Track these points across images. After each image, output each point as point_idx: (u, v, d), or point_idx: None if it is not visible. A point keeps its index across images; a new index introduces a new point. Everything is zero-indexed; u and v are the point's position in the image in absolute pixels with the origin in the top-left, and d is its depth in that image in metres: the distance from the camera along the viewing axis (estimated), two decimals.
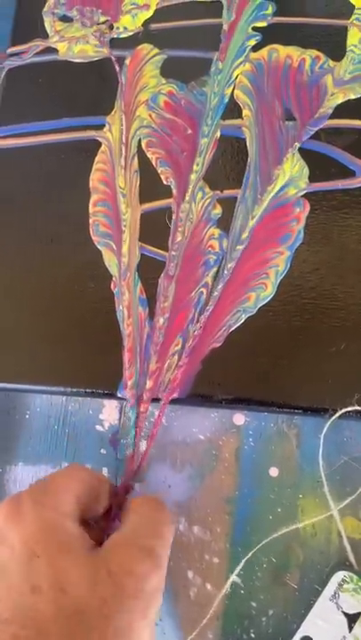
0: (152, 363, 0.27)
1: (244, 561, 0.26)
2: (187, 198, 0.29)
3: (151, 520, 0.22)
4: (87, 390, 0.27)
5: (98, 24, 0.32)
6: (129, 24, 0.31)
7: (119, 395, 0.27)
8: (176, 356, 0.27)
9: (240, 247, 0.28)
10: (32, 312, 0.29)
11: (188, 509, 0.27)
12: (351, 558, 0.25)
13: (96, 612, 0.18)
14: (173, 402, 0.26)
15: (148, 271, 0.28)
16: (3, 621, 0.18)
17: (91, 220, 0.29)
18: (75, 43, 0.32)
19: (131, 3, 0.31)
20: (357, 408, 0.25)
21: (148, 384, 0.27)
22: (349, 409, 0.25)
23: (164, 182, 0.29)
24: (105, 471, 0.28)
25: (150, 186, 0.29)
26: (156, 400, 0.27)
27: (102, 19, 0.32)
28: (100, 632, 0.18)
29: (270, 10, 0.31)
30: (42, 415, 0.29)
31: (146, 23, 0.31)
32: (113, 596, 0.19)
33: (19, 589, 0.19)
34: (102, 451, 0.28)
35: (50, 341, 0.28)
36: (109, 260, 0.29)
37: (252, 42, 0.30)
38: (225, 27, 0.29)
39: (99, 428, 0.28)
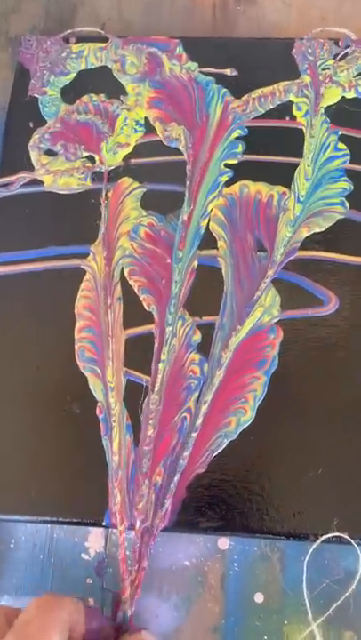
0: (138, 491, 0.28)
1: None
2: (168, 326, 0.30)
3: None
4: (73, 520, 0.27)
5: (81, 159, 0.34)
6: (110, 159, 0.34)
7: (105, 524, 0.27)
8: (162, 484, 0.28)
9: (219, 372, 0.29)
10: (17, 440, 0.29)
11: None
12: None
13: None
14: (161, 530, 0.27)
15: (133, 396, 0.29)
16: None
17: (76, 346, 0.30)
18: (59, 175, 0.34)
19: (114, 142, 0.34)
20: (337, 534, 0.26)
21: (136, 513, 0.27)
22: (330, 535, 0.26)
23: (147, 309, 0.31)
24: (91, 601, 0.28)
25: (133, 312, 0.31)
26: (144, 529, 0.27)
27: (85, 154, 0.34)
28: None
29: (240, 148, 0.34)
30: (27, 544, 0.29)
31: (126, 158, 0.34)
32: None
33: None
34: (88, 580, 0.28)
35: (35, 470, 0.28)
36: (95, 386, 0.30)
37: (225, 177, 0.33)
38: (184, 217, 0.31)
39: (84, 556, 0.28)
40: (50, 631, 0.22)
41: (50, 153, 0.34)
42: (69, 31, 0.37)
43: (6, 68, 0.38)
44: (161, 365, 0.30)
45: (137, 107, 0.35)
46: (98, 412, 0.29)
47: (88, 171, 0.34)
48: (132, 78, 0.36)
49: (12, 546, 0.29)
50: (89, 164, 0.34)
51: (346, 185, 0.32)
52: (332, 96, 0.34)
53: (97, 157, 0.34)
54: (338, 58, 0.35)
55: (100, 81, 0.36)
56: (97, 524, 0.27)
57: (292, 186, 0.32)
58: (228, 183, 0.33)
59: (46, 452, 0.29)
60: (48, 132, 0.35)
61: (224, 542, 0.28)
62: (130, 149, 0.34)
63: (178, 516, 0.27)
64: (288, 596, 0.27)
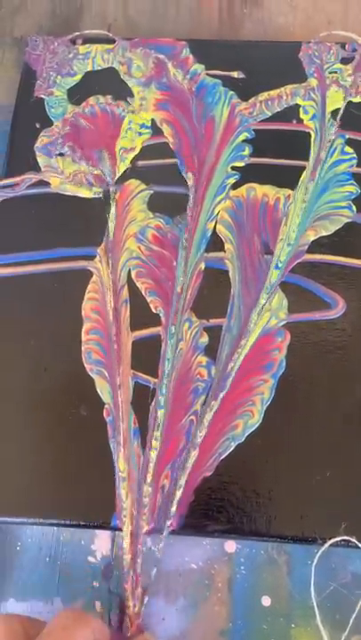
0: (146, 494, 0.28)
1: None
2: (174, 327, 0.30)
3: None
4: (80, 523, 0.27)
5: (88, 164, 0.34)
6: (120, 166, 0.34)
7: (112, 527, 0.27)
8: (169, 488, 0.28)
9: (227, 375, 0.29)
10: (24, 442, 0.29)
11: None
12: None
13: None
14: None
15: (140, 399, 0.29)
16: None
17: (83, 348, 0.30)
18: (68, 181, 0.34)
19: (119, 147, 0.34)
20: (345, 538, 0.26)
21: (143, 516, 0.27)
22: (337, 539, 0.26)
23: (154, 311, 0.31)
24: (98, 605, 0.27)
25: (141, 314, 0.31)
26: (151, 532, 0.27)
27: (93, 156, 0.34)
28: None
29: (247, 151, 0.34)
30: (33, 546, 0.28)
31: (133, 160, 0.34)
32: None
33: None
34: (95, 583, 0.28)
35: (42, 473, 0.28)
36: (102, 388, 0.30)
37: (232, 180, 0.33)
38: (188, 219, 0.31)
39: (91, 559, 0.28)
40: None
41: (58, 155, 0.34)
42: (77, 34, 0.37)
43: (12, 68, 0.38)
44: (168, 368, 0.30)
45: (141, 110, 0.35)
46: (105, 414, 0.29)
47: (95, 179, 0.34)
48: (137, 81, 0.36)
49: (18, 548, 0.28)
50: (97, 172, 0.34)
51: (353, 189, 0.32)
52: (338, 100, 0.35)
53: (105, 159, 0.34)
54: (345, 62, 0.35)
55: (106, 82, 0.36)
56: (104, 526, 0.27)
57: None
58: (235, 186, 0.33)
59: (53, 454, 0.29)
60: (60, 137, 0.35)
61: (231, 545, 0.28)
62: (136, 152, 0.34)
63: (185, 520, 0.27)
64: (295, 599, 0.27)
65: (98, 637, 0.22)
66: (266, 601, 0.27)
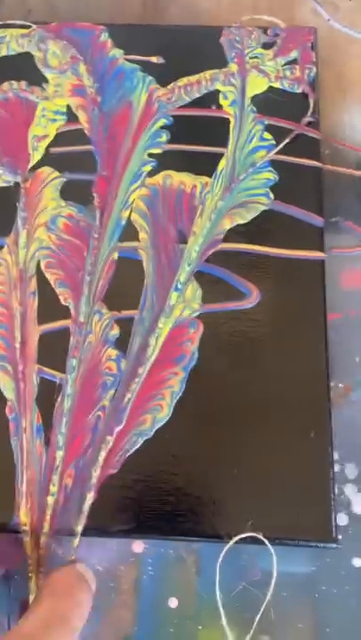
0: (49, 493, 0.26)
1: None
2: (83, 319, 0.29)
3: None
4: None
5: None
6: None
7: (12, 526, 0.26)
8: (72, 486, 0.26)
9: (137, 368, 0.28)
10: None
11: None
12: None
13: None
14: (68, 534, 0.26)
15: (45, 395, 0.28)
16: None
17: None
18: None
19: (32, 136, 0.33)
20: (251, 534, 0.25)
21: (45, 516, 0.26)
22: (243, 535, 0.25)
23: (63, 303, 0.30)
24: None
25: (49, 306, 0.30)
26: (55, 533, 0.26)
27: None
28: None
29: (164, 138, 0.33)
30: None
31: (47, 147, 0.33)
32: None
33: None
34: None
35: None
36: (5, 384, 0.28)
37: (148, 167, 0.32)
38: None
39: None
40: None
41: None
42: None
43: None
44: (75, 362, 0.28)
45: (56, 97, 0.34)
46: (7, 411, 0.28)
47: (5, 167, 0.32)
48: (53, 70, 0.34)
49: None
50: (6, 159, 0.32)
51: (271, 175, 0.32)
52: (258, 85, 0.34)
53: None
54: (265, 46, 0.34)
55: (21, 68, 0.35)
56: (2, 527, 0.26)
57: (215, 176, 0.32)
58: (152, 173, 0.32)
59: None
60: None
61: (139, 545, 0.27)
62: (49, 140, 0.33)
63: (88, 520, 0.26)
64: (203, 599, 0.26)
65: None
66: (173, 602, 0.26)
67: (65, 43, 0.35)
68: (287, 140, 0.32)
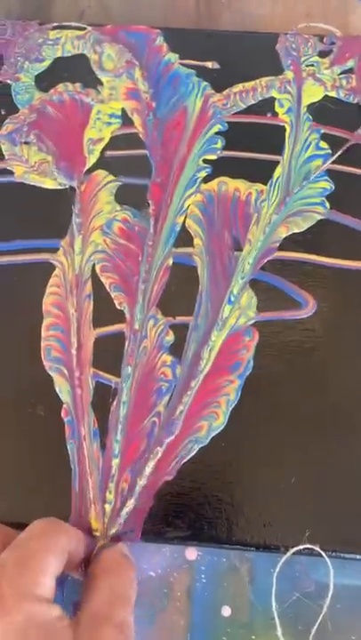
0: (103, 498, 0.26)
1: None
2: (138, 325, 0.29)
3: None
4: None
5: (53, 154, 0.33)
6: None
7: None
8: (129, 491, 0.26)
9: (192, 375, 0.28)
10: None
11: None
12: None
13: None
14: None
15: (101, 399, 0.28)
16: None
17: (42, 345, 0.29)
18: (32, 170, 0.32)
19: (87, 139, 0.33)
20: (309, 546, 0.25)
21: (102, 521, 0.26)
22: (300, 547, 0.25)
23: (118, 307, 0.30)
24: None
25: (104, 310, 0.30)
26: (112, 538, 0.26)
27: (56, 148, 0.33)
28: None
29: (220, 144, 0.33)
30: None
31: (102, 150, 0.33)
32: None
33: None
34: None
35: None
36: (61, 386, 0.28)
37: (203, 174, 0.32)
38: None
39: None
40: (49, 553, 0.22)
41: (23, 143, 0.33)
42: (50, 25, 0.36)
43: None
44: (130, 369, 0.28)
45: (111, 100, 0.34)
46: (63, 414, 0.28)
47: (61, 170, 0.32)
48: (108, 73, 0.34)
49: None
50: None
51: (327, 185, 0.32)
52: (314, 93, 0.34)
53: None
54: (321, 54, 0.34)
55: (76, 70, 0.35)
56: None
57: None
58: (207, 179, 0.32)
59: (9, 455, 0.27)
60: (26, 124, 0.33)
61: (192, 553, 0.27)
62: (105, 143, 0.33)
63: (144, 525, 0.26)
64: (256, 609, 0.26)
65: (74, 545, 0.23)
66: (226, 611, 0.26)
67: (121, 46, 0.35)
68: (342, 151, 0.32)
